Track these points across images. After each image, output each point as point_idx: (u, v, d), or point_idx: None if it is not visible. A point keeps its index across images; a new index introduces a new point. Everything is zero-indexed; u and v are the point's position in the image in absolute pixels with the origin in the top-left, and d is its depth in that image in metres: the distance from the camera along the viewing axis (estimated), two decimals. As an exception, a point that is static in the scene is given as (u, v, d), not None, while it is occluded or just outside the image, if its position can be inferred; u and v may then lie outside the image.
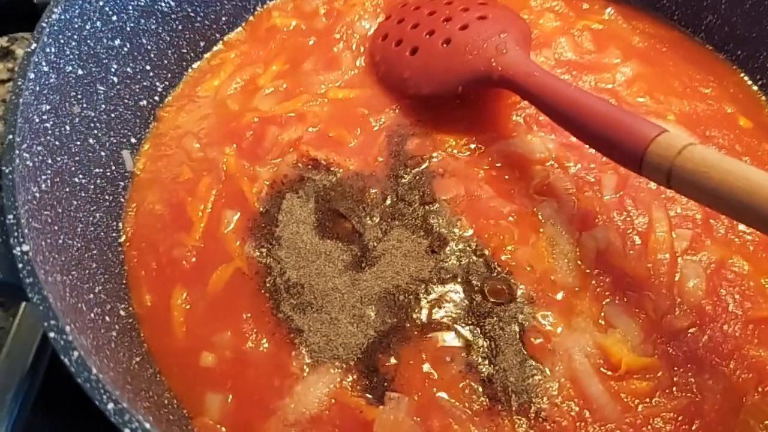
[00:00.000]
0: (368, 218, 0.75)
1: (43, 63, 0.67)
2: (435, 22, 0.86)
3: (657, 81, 0.88)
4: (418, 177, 0.79)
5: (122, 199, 0.79)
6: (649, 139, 0.62)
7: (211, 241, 0.75)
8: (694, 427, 0.62)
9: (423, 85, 0.84)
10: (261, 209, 0.77)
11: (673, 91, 0.88)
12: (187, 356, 0.68)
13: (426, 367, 0.65)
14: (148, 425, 0.46)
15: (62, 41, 0.70)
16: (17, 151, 0.60)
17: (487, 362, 0.66)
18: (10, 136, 0.60)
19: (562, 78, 0.80)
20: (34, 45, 0.66)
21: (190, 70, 0.91)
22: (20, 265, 0.53)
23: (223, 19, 0.94)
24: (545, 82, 0.74)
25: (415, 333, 0.67)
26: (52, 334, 0.50)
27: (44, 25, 0.68)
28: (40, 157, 0.64)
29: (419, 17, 0.89)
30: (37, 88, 0.65)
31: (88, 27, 0.74)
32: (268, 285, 0.71)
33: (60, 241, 0.63)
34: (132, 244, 0.76)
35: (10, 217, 0.56)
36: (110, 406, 0.47)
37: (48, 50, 0.68)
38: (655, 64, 0.91)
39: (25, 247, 0.54)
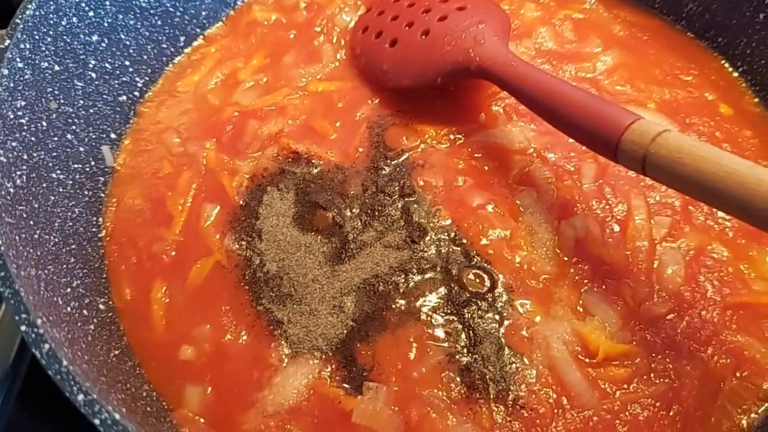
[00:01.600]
0: (348, 210, 0.76)
1: (18, 59, 0.67)
2: (414, 14, 0.86)
3: (638, 69, 0.88)
4: (398, 168, 0.79)
5: (102, 195, 0.79)
6: (623, 126, 0.62)
7: (191, 235, 0.75)
8: (671, 413, 0.63)
9: (402, 77, 0.84)
10: (241, 203, 0.77)
11: (654, 79, 0.88)
12: (166, 349, 0.68)
13: (404, 356, 0.66)
14: (117, 416, 0.46)
15: (37, 37, 0.70)
16: (-10, 147, 0.60)
17: (465, 351, 0.66)
18: (-18, 133, 0.60)
19: (540, 68, 0.80)
20: (7, 41, 0.66)
21: (170, 65, 0.91)
22: (-9, 260, 0.53)
23: (203, 13, 0.94)
24: (522, 72, 0.74)
25: (394, 322, 0.67)
26: (23, 327, 0.50)
27: (18, 21, 0.68)
28: (15, 153, 0.64)
29: (399, 9, 0.89)
30: (11, 84, 0.65)
31: (64, 23, 0.74)
32: (247, 277, 0.71)
33: (36, 236, 0.63)
34: (112, 239, 0.76)
35: (-18, 212, 0.56)
36: (80, 397, 0.47)
37: (22, 46, 0.68)
38: (636, 53, 0.90)
39: (-3, 242, 0.54)
